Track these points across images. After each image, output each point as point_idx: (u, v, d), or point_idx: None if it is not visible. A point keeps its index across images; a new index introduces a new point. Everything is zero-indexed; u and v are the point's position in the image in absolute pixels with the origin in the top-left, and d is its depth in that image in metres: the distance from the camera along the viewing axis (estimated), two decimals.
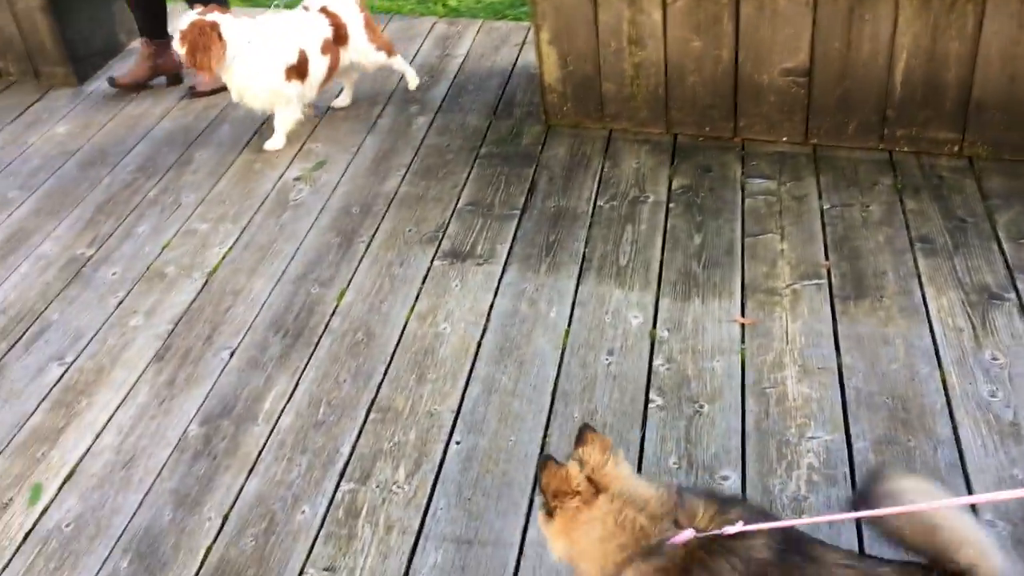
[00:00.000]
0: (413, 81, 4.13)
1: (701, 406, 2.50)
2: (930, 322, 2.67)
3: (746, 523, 1.41)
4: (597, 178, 3.47)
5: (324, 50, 3.68)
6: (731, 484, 2.26)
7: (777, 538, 1.44)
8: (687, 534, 1.45)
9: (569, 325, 2.82)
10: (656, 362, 2.65)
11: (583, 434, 1.63)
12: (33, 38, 4.37)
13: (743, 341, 2.69)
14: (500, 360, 2.72)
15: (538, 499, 1.65)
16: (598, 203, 3.34)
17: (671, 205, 3.29)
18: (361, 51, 3.84)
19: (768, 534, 1.44)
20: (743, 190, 3.32)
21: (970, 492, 2.17)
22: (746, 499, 2.12)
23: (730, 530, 1.43)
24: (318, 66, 3.69)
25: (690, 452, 2.37)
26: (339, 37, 3.75)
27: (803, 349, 2.64)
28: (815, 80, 3.34)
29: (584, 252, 3.11)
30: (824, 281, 2.87)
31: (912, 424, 2.37)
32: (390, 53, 4.00)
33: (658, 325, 2.78)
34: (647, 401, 2.54)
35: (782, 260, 2.98)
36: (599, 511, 1.54)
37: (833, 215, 3.14)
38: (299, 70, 3.63)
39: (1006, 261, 2.85)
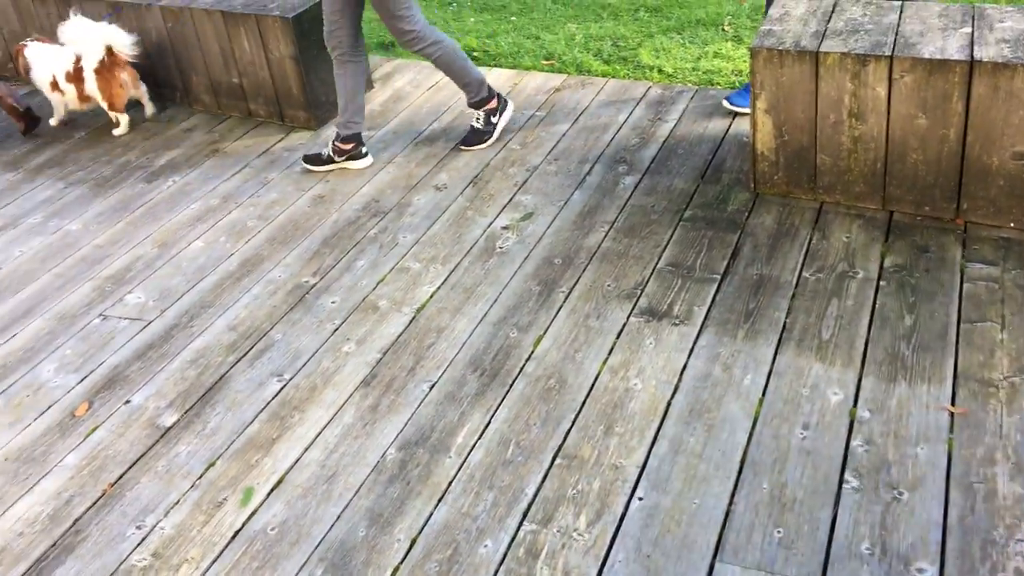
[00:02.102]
0: (148, 108, 5.18)
1: (901, 493, 2.39)
2: None
3: None
4: (804, 249, 3.41)
5: (68, 79, 4.90)
6: None
7: None
8: None
9: (764, 394, 2.78)
10: (854, 442, 2.57)
11: None
12: (282, 84, 4.82)
13: (951, 431, 2.56)
14: (689, 421, 2.72)
15: None
16: (803, 274, 3.28)
17: (882, 283, 3.18)
18: (92, 90, 4.90)
19: None
20: (962, 274, 3.17)
21: None
22: None
23: None
24: (68, 87, 4.93)
25: (884, 539, 2.27)
26: (77, 72, 4.86)
27: (1018, 446, 2.48)
28: None
29: (785, 322, 3.06)
30: None
31: None
32: (112, 106, 4.95)
33: (859, 404, 2.69)
34: (841, 481, 2.45)
35: (1000, 350, 2.81)
36: None
37: None
38: (56, 86, 4.95)
39: None
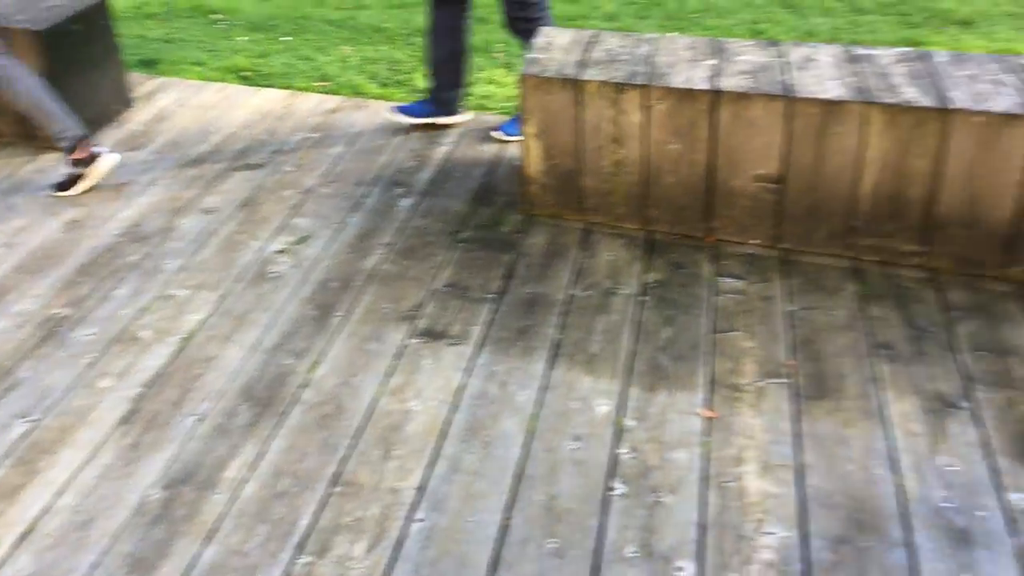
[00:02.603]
0: None
1: (662, 496, 2.53)
2: (888, 426, 2.73)
3: None
4: (573, 268, 3.55)
5: None
6: None
7: None
8: None
9: (537, 409, 2.86)
10: (620, 450, 2.69)
11: None
12: None
13: (706, 435, 2.74)
14: (467, 440, 2.75)
15: None
16: (573, 292, 3.41)
17: (643, 298, 3.37)
18: None
19: None
20: (713, 288, 3.41)
21: None
22: None
23: None
24: None
25: (648, 541, 2.39)
26: None
27: (765, 445, 2.69)
28: (786, 188, 3.48)
29: (557, 338, 3.17)
30: (787, 380, 2.93)
31: (866, 525, 2.41)
32: None
33: (624, 414, 2.83)
34: (609, 488, 2.56)
35: (747, 357, 3.05)
36: None
37: (799, 317, 3.23)
38: None
39: (963, 372, 2.93)
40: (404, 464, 2.67)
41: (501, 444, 2.73)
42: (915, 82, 3.35)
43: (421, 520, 2.48)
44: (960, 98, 3.20)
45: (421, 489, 2.58)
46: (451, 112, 4.56)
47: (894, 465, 2.59)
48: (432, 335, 3.21)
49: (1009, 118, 3.10)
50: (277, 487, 2.60)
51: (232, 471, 2.66)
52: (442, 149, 4.46)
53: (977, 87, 3.29)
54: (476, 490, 2.57)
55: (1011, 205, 3.23)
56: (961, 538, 2.36)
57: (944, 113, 3.16)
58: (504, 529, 2.45)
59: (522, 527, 2.45)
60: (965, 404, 2.80)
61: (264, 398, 2.93)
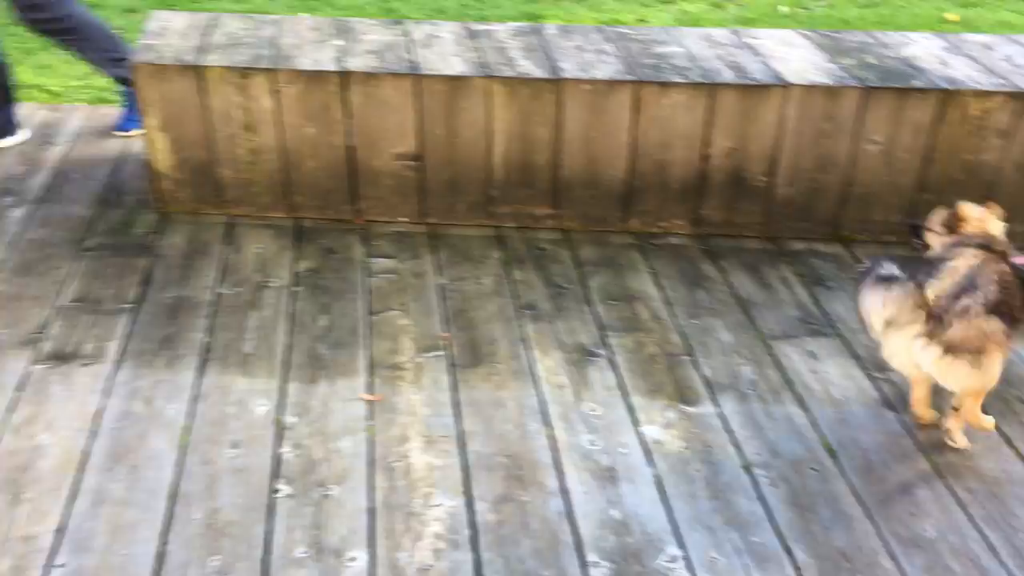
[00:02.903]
0: None
1: (329, 489, 2.48)
2: (537, 382, 2.88)
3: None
4: (218, 265, 3.37)
5: None
6: (359, 565, 2.26)
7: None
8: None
9: (189, 421, 2.68)
10: (283, 449, 2.60)
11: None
12: None
13: (370, 419, 2.73)
14: (111, 467, 2.51)
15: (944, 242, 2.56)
16: (220, 291, 3.24)
17: (296, 289, 3.28)
18: None
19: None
20: (366, 270, 3.40)
21: (576, 531, 2.35)
22: None
23: None
24: None
25: (318, 538, 2.34)
26: None
27: (426, 419, 2.73)
28: (425, 164, 3.54)
29: (206, 342, 2.99)
30: (443, 352, 3.00)
31: (526, 479, 2.53)
32: None
33: (284, 411, 2.74)
34: (274, 491, 2.47)
35: (405, 335, 3.08)
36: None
37: (450, 289, 3.31)
38: None
39: (598, 321, 3.17)
40: (37, 507, 2.38)
41: (151, 465, 2.53)
42: (529, 55, 3.54)
43: (62, 566, 2.23)
44: (569, 68, 3.44)
45: (60, 531, 2.32)
46: (5, 133, 4.06)
47: (545, 418, 2.74)
48: (61, 358, 2.89)
49: (612, 84, 3.38)
50: None
51: None
52: (56, 150, 4.03)
53: (584, 56, 3.55)
54: (126, 520, 2.36)
55: (623, 165, 3.53)
56: (607, 476, 2.55)
57: (556, 83, 3.38)
58: (161, 557, 2.27)
59: (181, 551, 2.29)
60: (601, 352, 3.04)
61: None
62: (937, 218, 2.66)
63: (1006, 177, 3.51)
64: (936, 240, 2.61)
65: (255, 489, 2.47)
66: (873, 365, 3.00)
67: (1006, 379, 2.94)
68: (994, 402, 2.86)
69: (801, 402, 2.83)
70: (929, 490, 2.52)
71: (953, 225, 2.55)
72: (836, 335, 3.14)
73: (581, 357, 3.01)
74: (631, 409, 2.79)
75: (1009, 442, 2.70)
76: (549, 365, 2.97)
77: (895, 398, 2.86)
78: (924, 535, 2.38)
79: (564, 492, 2.51)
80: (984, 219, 2.58)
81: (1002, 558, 2.32)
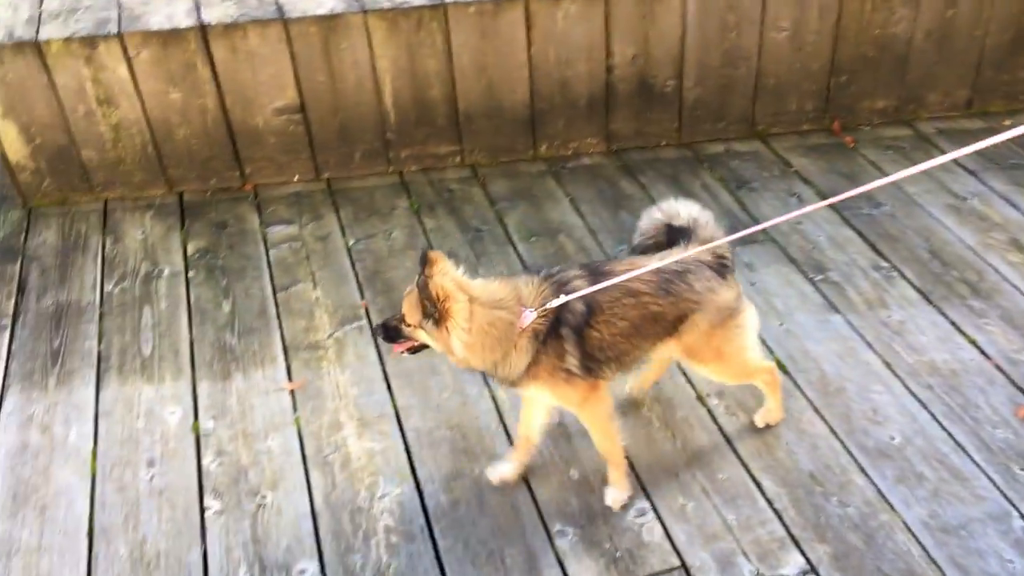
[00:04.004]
0: None
1: (264, 496, 2.27)
2: None
3: (565, 292, 1.98)
4: (99, 259, 3.05)
5: None
6: None
7: (586, 275, 2.03)
8: (529, 316, 1.96)
9: (95, 444, 2.42)
10: (206, 460, 2.37)
11: (428, 256, 1.94)
12: None
13: (295, 409, 2.51)
14: (16, 511, 2.25)
15: (417, 317, 1.95)
16: (106, 289, 2.93)
17: (190, 273, 2.99)
18: None
19: (582, 277, 2.02)
20: (265, 241, 3.12)
21: (535, 499, 2.21)
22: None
23: (554, 303, 1.97)
24: None
25: (260, 553, 2.14)
26: None
27: (357, 399, 2.53)
28: (310, 115, 3.24)
29: (99, 351, 2.71)
30: (364, 322, 2.78)
31: (473, 451, 2.37)
32: None
33: (200, 416, 2.49)
34: (203, 509, 2.25)
35: (319, 309, 2.84)
36: (480, 315, 1.93)
37: (360, 250, 3.07)
38: None
39: (522, 261, 2.98)
40: None
41: (61, 503, 2.27)
42: None
43: None
44: None
45: None
46: None
47: (485, 379, 2.56)
48: None
49: (499, 3, 3.10)
50: None
51: None
52: None
53: None
54: (42, 571, 2.12)
55: (524, 88, 3.29)
56: (560, 434, 2.39)
57: (440, 9, 3.08)
58: None
59: None
60: None
61: None
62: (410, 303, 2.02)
63: (916, 47, 3.39)
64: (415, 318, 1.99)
65: (181, 511, 2.24)
66: (811, 267, 2.89)
67: (945, 261, 2.88)
68: (937, 287, 2.79)
69: None
70: (888, 393, 2.44)
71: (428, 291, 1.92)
72: (769, 240, 3.02)
73: None
74: None
75: (958, 329, 2.64)
76: None
77: (837, 299, 2.76)
78: (891, 443, 2.30)
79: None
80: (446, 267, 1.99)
81: (971, 454, 2.27)
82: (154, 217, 3.24)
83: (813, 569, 2.02)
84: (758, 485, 2.22)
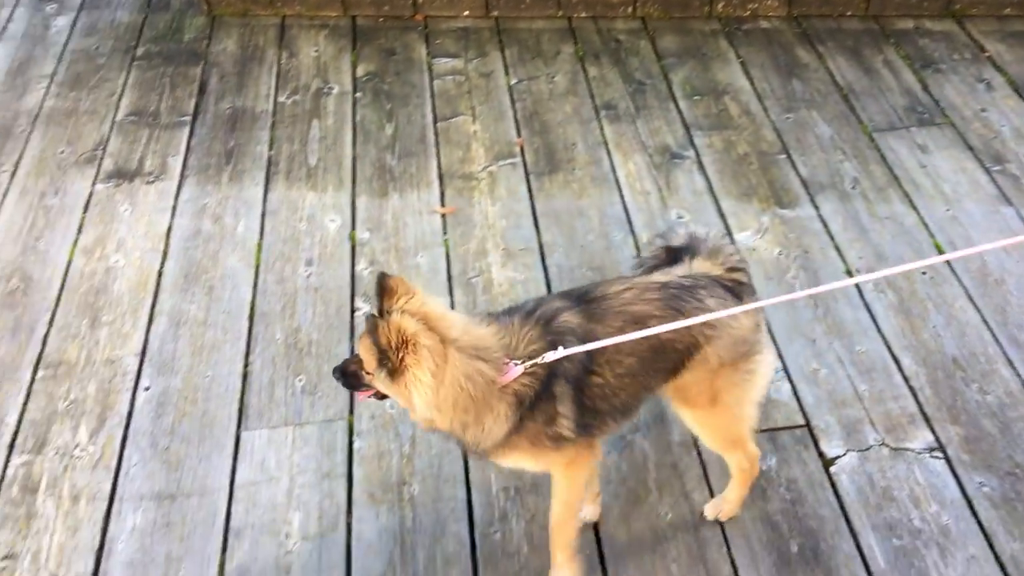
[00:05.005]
0: None
1: None
2: (620, 189, 2.70)
3: (554, 330, 1.59)
4: (275, 71, 3.17)
5: None
6: None
7: (574, 305, 1.63)
8: (515, 371, 1.56)
9: (261, 238, 2.59)
10: (359, 266, 2.51)
11: (385, 283, 1.53)
12: None
13: (445, 232, 2.60)
14: (187, 288, 2.46)
15: (373, 365, 1.54)
16: (279, 99, 3.06)
17: (358, 95, 3.08)
18: None
19: (569, 309, 1.62)
20: (431, 72, 3.17)
21: None
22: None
23: (548, 357, 1.56)
24: None
25: None
26: None
27: (504, 231, 2.60)
28: None
29: (269, 156, 2.86)
30: (518, 159, 2.82)
31: None
32: None
33: (357, 226, 2.62)
34: (353, 309, 2.39)
35: (476, 142, 2.89)
36: (456, 365, 1.53)
37: (521, 89, 3.08)
38: None
39: (683, 120, 2.93)
40: (118, 329, 2.35)
41: (227, 285, 2.46)
42: None
43: (147, 388, 2.21)
44: None
45: (143, 353, 2.29)
46: None
47: (630, 227, 2.58)
48: (124, 175, 2.79)
49: None
50: None
51: None
52: None
53: None
54: (207, 341, 2.32)
55: None
56: None
57: None
58: (246, 377, 2.24)
59: (265, 370, 2.25)
60: (688, 153, 2.82)
61: None
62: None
63: None
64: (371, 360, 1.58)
65: (334, 307, 2.40)
66: (989, 156, 2.74)
67: None
68: None
69: (909, 200, 2.61)
70: None
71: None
72: (948, 124, 2.86)
73: (665, 160, 2.80)
74: (722, 214, 2.61)
75: None
76: (631, 170, 2.77)
77: (1012, 192, 2.62)
78: None
79: None
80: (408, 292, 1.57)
81: None
82: (328, 37, 3.33)
83: (941, 447, 2.00)
84: (897, 362, 2.18)
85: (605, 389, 1.63)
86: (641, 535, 1.92)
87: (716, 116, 2.94)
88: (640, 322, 1.60)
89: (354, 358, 1.63)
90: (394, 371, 1.52)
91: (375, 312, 1.54)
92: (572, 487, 1.75)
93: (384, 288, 1.52)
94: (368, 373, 1.59)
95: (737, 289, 1.67)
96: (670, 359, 1.65)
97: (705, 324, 1.61)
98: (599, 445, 1.76)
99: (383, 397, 1.63)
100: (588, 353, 1.59)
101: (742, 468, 1.83)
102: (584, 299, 1.63)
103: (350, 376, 1.65)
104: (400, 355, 1.50)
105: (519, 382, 1.57)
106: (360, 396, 1.73)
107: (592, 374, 1.62)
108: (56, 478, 2.04)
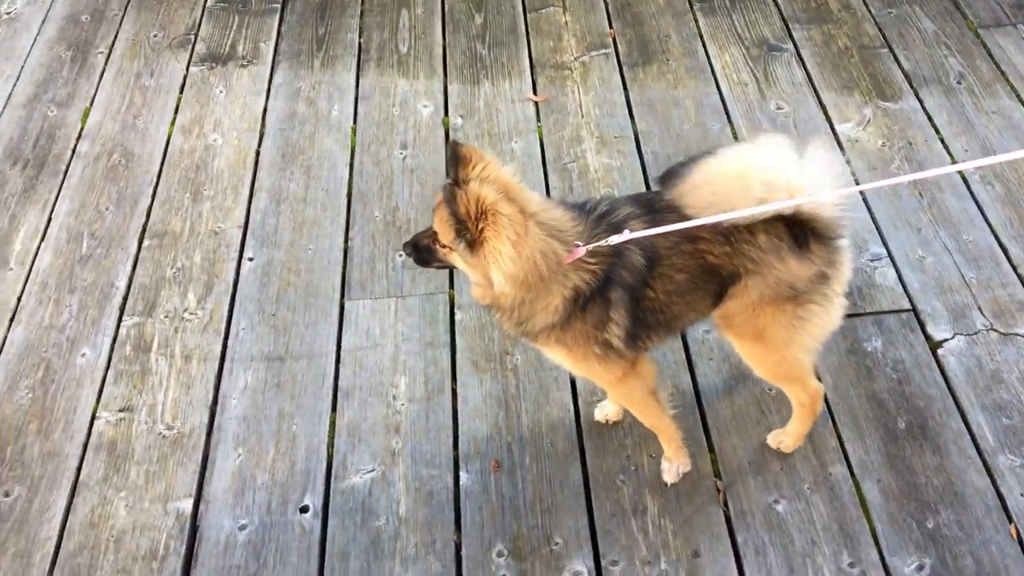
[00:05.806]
0: None
1: None
2: (716, 80, 2.66)
3: (629, 229, 1.52)
4: None
5: None
6: None
7: (643, 215, 1.57)
8: (579, 251, 1.51)
9: (355, 122, 2.60)
10: None
11: (459, 152, 1.48)
12: None
13: (538, 119, 2.59)
14: (285, 167, 2.48)
15: (450, 236, 1.47)
16: None
17: None
18: None
19: (637, 217, 1.56)
20: None
21: None
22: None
23: (613, 240, 1.51)
24: None
25: None
26: None
27: (598, 120, 2.57)
28: None
29: (360, 43, 2.85)
30: (611, 50, 2.78)
31: None
32: None
33: (450, 112, 2.62)
34: None
35: (567, 33, 2.86)
36: (534, 239, 1.48)
37: None
38: None
39: (780, 12, 2.87)
40: (220, 203, 2.39)
41: (324, 165, 2.48)
42: None
43: (251, 259, 2.25)
44: None
45: (245, 227, 2.33)
46: None
47: (728, 117, 2.55)
48: (217, 59, 2.80)
49: None
50: (79, 252, 2.28)
51: (19, 244, 2.30)
52: None
53: None
54: (308, 217, 2.35)
55: None
56: None
57: None
58: (347, 251, 2.26)
59: (365, 246, 2.27)
60: (786, 45, 2.76)
61: (35, 158, 2.51)
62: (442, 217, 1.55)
63: None
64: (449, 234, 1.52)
65: (430, 189, 2.41)
66: None
67: None
68: None
69: (1017, 95, 2.54)
70: None
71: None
72: None
73: (763, 52, 2.74)
74: (823, 106, 2.56)
75: None
76: (727, 61, 2.72)
77: None
78: None
79: None
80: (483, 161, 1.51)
81: None
82: None
83: None
84: (1005, 251, 2.15)
85: (656, 303, 1.60)
86: (744, 409, 1.93)
87: (815, 10, 2.87)
88: (691, 240, 1.56)
89: (427, 232, 1.59)
90: (473, 242, 1.46)
91: (451, 181, 1.48)
92: (631, 404, 1.76)
93: (458, 156, 1.47)
94: (443, 246, 1.54)
95: (801, 238, 1.55)
96: (715, 282, 1.61)
97: (747, 257, 1.56)
98: (644, 364, 1.71)
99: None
100: (646, 264, 1.55)
101: (801, 403, 1.78)
102: (653, 208, 1.57)
103: (423, 251, 1.60)
104: (480, 226, 1.45)
105: (580, 276, 1.53)
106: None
107: (647, 286, 1.58)
108: (167, 339, 2.09)
